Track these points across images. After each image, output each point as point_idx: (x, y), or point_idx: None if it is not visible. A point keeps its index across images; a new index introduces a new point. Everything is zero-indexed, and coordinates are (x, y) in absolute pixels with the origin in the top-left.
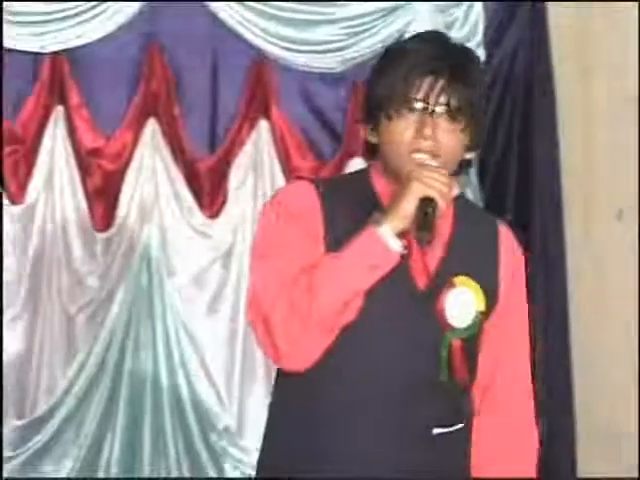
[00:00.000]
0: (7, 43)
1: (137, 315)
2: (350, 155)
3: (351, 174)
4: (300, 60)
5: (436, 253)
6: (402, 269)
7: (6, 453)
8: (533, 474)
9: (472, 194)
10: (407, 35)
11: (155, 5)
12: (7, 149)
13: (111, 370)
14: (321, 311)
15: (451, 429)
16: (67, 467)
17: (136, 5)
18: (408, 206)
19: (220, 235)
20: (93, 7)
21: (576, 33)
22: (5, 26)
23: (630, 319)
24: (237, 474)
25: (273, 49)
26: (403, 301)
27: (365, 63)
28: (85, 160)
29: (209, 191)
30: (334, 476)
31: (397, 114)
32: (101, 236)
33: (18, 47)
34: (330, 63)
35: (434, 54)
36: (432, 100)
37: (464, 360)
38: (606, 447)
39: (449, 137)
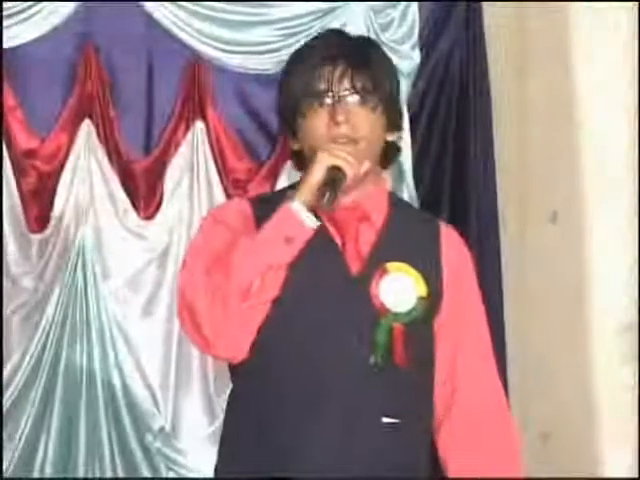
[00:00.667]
0: None
1: (72, 316)
2: (286, 157)
3: (283, 190)
4: (235, 61)
5: (369, 239)
6: (335, 255)
7: None
8: (516, 462)
9: (407, 194)
10: None
11: (90, 5)
12: None
13: (46, 371)
14: (240, 285)
15: (401, 420)
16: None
17: (71, 5)
18: (316, 175)
19: (156, 236)
20: (28, 7)
21: (511, 33)
22: None
23: (567, 322)
24: (172, 475)
25: (208, 50)
26: (337, 286)
27: None
28: (20, 161)
29: (144, 192)
30: (289, 469)
31: (309, 111)
32: (36, 237)
33: None
34: (266, 64)
35: (330, 45)
36: (336, 87)
37: (405, 344)
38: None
39: (363, 120)
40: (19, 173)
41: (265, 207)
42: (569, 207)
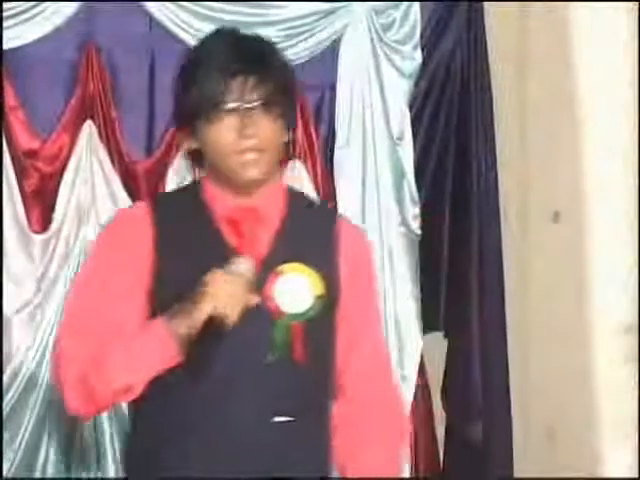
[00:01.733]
0: None
1: None
2: (287, 158)
3: (186, 187)
4: None
5: (266, 241)
6: (229, 259)
7: None
8: (396, 463)
9: (409, 193)
10: (345, 37)
11: (91, 6)
12: None
13: (48, 372)
14: (102, 391)
15: (300, 417)
16: (4, 469)
17: (73, 6)
18: (196, 319)
19: None
20: (30, 8)
21: (513, 33)
22: None
23: (568, 321)
24: None
25: None
26: None
27: (303, 65)
28: (21, 162)
29: (147, 193)
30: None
31: (216, 118)
32: (38, 238)
33: None
34: None
35: (237, 54)
36: (246, 99)
37: (305, 343)
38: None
39: (269, 129)
40: (21, 174)
41: (167, 210)
42: (570, 206)
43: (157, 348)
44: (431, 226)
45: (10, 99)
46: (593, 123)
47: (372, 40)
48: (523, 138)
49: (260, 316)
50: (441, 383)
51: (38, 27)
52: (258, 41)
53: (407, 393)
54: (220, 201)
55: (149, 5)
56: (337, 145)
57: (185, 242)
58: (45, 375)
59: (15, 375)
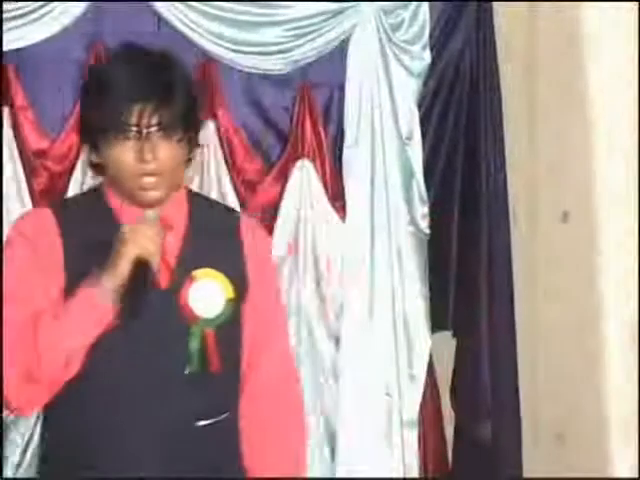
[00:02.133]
0: None
1: None
2: (296, 157)
3: (86, 193)
4: (246, 61)
5: (174, 249)
6: None
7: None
8: (299, 463)
9: (418, 192)
10: (354, 37)
11: (100, 5)
12: None
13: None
14: (42, 369)
15: (217, 419)
16: None
17: (81, 5)
18: (121, 268)
19: None
20: (39, 8)
21: (522, 32)
22: None
23: (577, 323)
24: None
25: (218, 50)
26: (147, 304)
27: (312, 64)
28: (31, 161)
29: None
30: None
31: (115, 140)
32: None
33: None
34: (276, 64)
35: (137, 79)
36: (144, 124)
37: (218, 349)
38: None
39: (169, 153)
40: (30, 173)
41: (72, 216)
42: (580, 206)
43: (88, 309)
44: (440, 226)
45: (19, 99)
46: (602, 123)
47: (381, 40)
48: (532, 138)
49: (176, 325)
50: (450, 382)
51: (46, 27)
52: (162, 64)
53: (416, 392)
54: (126, 210)
55: (157, 5)
56: (346, 144)
57: (93, 249)
58: None
59: None
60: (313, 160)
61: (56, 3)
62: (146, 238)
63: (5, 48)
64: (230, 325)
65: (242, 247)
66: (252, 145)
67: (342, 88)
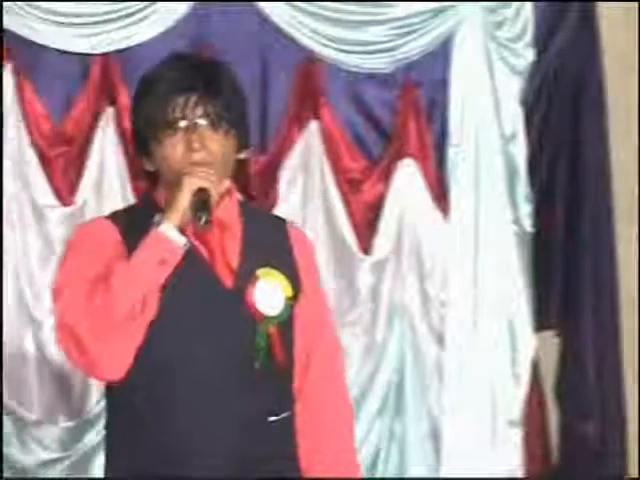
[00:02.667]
0: (58, 44)
1: None
2: (399, 156)
3: (138, 202)
4: (350, 60)
5: (235, 250)
6: (205, 271)
7: (55, 454)
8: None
9: (521, 191)
10: (457, 35)
11: (204, 5)
12: (56, 150)
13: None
14: (121, 311)
15: (282, 416)
16: None
17: (186, 6)
18: (183, 200)
19: None
20: (144, 8)
21: (624, 32)
22: (55, 28)
23: None
24: None
25: (322, 49)
26: (212, 301)
27: (415, 63)
28: (135, 162)
29: (259, 192)
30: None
31: (164, 136)
32: None
33: (68, 48)
34: (380, 63)
35: (183, 73)
36: (189, 114)
37: (282, 346)
38: None
39: (217, 144)
40: (134, 171)
41: (131, 225)
42: None
43: (157, 245)
44: (544, 225)
45: (124, 99)
46: None
47: (484, 38)
48: (634, 138)
49: (242, 323)
50: (554, 381)
51: (151, 27)
52: (210, 62)
53: (520, 392)
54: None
55: (262, 5)
56: (450, 143)
57: None
58: None
59: None
60: (417, 159)
61: (161, 3)
62: (205, 173)
63: (111, 48)
64: (287, 323)
65: (292, 251)
66: (356, 144)
67: (445, 86)
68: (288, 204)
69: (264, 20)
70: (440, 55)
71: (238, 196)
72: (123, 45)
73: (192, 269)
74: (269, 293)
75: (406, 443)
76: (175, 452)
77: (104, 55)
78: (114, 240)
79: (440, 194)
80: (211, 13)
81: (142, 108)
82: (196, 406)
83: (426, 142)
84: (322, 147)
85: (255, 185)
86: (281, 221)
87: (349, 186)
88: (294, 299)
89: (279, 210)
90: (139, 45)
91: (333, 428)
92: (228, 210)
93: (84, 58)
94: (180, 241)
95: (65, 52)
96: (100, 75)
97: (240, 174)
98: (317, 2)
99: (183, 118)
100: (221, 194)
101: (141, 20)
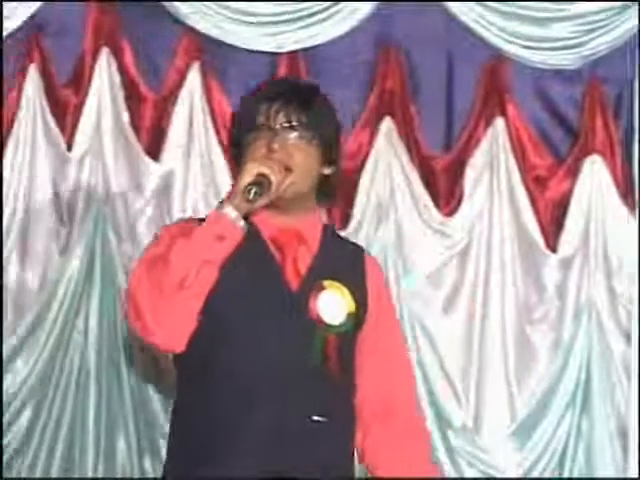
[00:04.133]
0: (246, 44)
1: None
2: (586, 152)
3: None
4: (536, 57)
5: (306, 261)
6: (276, 275)
7: None
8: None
9: None
10: None
11: (390, 4)
12: None
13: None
14: (177, 275)
15: (328, 419)
16: None
17: (371, 5)
18: (245, 180)
19: (456, 233)
20: (328, 7)
21: None
22: (244, 27)
23: None
24: (473, 471)
25: (508, 46)
26: (278, 302)
27: (601, 59)
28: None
29: (445, 189)
30: (229, 474)
31: (253, 140)
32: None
33: (256, 47)
34: (566, 60)
35: (274, 86)
36: (273, 119)
37: (338, 353)
38: None
39: (298, 150)
40: None
41: None
42: None
43: (218, 221)
44: None
45: None
46: None
47: None
48: None
49: (301, 325)
50: None
51: (336, 26)
52: (307, 84)
53: None
54: (266, 224)
55: (448, 4)
56: (637, 139)
57: (237, 256)
58: None
59: None
60: (604, 155)
61: (345, 3)
62: (268, 160)
63: (297, 47)
64: (349, 337)
65: (365, 277)
66: (542, 141)
67: (632, 82)
68: (474, 202)
69: (450, 19)
70: (626, 51)
71: (324, 219)
72: (309, 44)
73: (263, 269)
74: (332, 304)
75: (593, 441)
76: (220, 449)
77: (291, 54)
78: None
79: (627, 190)
80: (395, 12)
81: (237, 118)
82: (245, 401)
83: (613, 138)
84: (508, 144)
85: (441, 182)
86: (359, 249)
87: (535, 183)
88: (357, 317)
89: (464, 207)
90: (324, 44)
91: (407, 434)
92: (307, 224)
93: (271, 57)
94: (237, 219)
95: (253, 51)
96: (287, 74)
97: (326, 189)
98: (504, 0)
99: (267, 123)
100: (295, 195)
101: (325, 19)
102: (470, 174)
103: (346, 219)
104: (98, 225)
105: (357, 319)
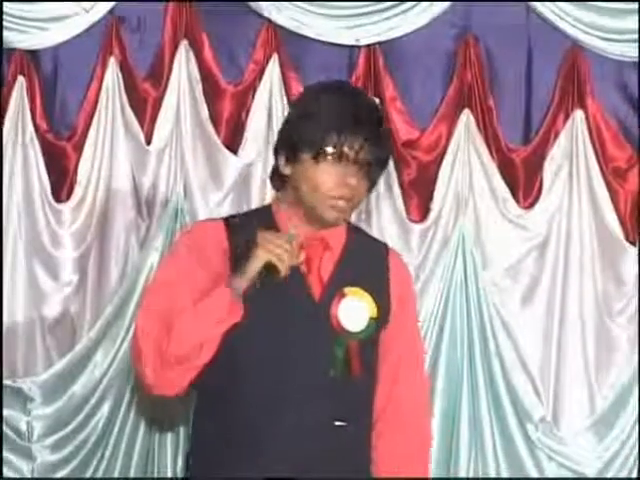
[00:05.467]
0: (324, 36)
1: (452, 306)
2: None
3: (258, 209)
4: (615, 49)
5: (329, 267)
6: (300, 282)
7: None
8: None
9: None
10: None
11: None
12: None
13: (427, 362)
14: (178, 351)
15: (351, 424)
16: None
17: None
18: (252, 269)
19: (535, 226)
20: (407, 0)
21: None
22: (322, 20)
23: None
24: (553, 465)
25: (588, 38)
26: (301, 310)
27: None
28: (400, 152)
29: (524, 182)
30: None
31: (324, 160)
32: (417, 227)
33: (334, 40)
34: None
35: (359, 111)
36: (356, 155)
37: (360, 360)
38: None
39: (361, 186)
40: (400, 163)
41: (240, 229)
42: None
43: (220, 303)
44: None
45: (389, 90)
46: None
47: None
48: None
49: (325, 333)
50: None
51: (415, 18)
52: (372, 103)
53: None
54: (289, 225)
55: None
56: None
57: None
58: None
59: None
60: None
61: None
62: (277, 246)
63: (376, 40)
64: (370, 343)
65: (389, 279)
66: (621, 133)
67: None
68: (552, 195)
69: (529, 10)
70: None
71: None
72: (387, 37)
73: (290, 278)
74: (354, 310)
75: None
76: (243, 454)
77: (369, 47)
78: (221, 247)
79: None
80: (473, 4)
81: (311, 123)
82: (267, 407)
83: None
84: (587, 137)
85: (520, 174)
86: (384, 248)
87: (614, 176)
88: (380, 321)
89: (543, 200)
90: (403, 36)
91: (409, 455)
92: (334, 230)
93: (349, 50)
94: (240, 306)
95: (331, 44)
96: (365, 67)
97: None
98: None
99: (350, 154)
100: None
101: (404, 12)
102: (549, 167)
103: (425, 211)
104: (177, 218)
105: (379, 323)
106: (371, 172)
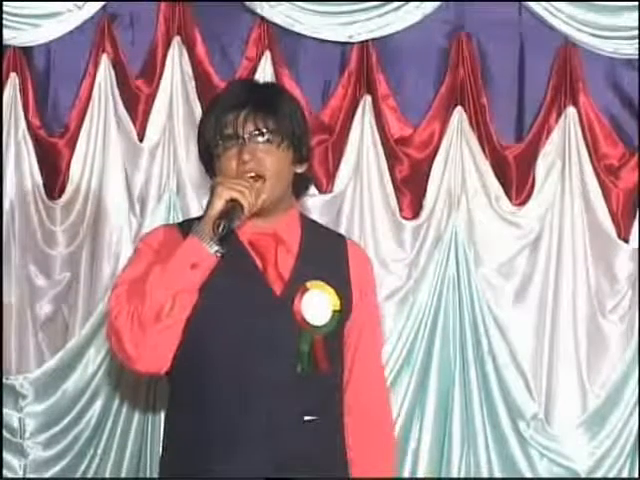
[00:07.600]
0: (317, 33)
1: (445, 303)
2: None
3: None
4: (607, 46)
5: (289, 263)
6: (259, 281)
7: None
8: (391, 472)
9: None
10: None
11: None
12: (315, 139)
13: (419, 359)
14: (153, 308)
15: (319, 418)
16: None
17: None
18: (215, 208)
19: (528, 223)
20: None
21: None
22: (314, 17)
23: None
24: (544, 462)
25: (580, 35)
26: (262, 308)
27: None
28: (393, 149)
29: (516, 179)
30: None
31: (222, 152)
32: (409, 224)
33: (326, 37)
34: (637, 49)
35: (238, 93)
36: (241, 130)
37: (326, 354)
38: None
39: (269, 157)
40: (392, 160)
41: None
42: None
43: (190, 249)
44: None
45: (382, 86)
46: None
47: None
48: None
49: (288, 328)
50: None
51: (408, 16)
52: (266, 84)
53: None
54: (243, 228)
55: None
56: None
57: (218, 264)
58: (417, 362)
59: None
60: None
61: None
62: (238, 184)
63: (369, 36)
64: (334, 335)
65: (348, 268)
66: (614, 130)
67: None
68: (545, 192)
69: (522, 7)
70: None
71: (300, 211)
72: (380, 34)
73: (245, 276)
74: (316, 304)
75: None
76: (215, 450)
77: (361, 44)
78: (175, 240)
79: None
80: (467, 2)
81: (202, 129)
82: (237, 404)
83: None
84: (580, 134)
85: (512, 172)
86: (340, 238)
87: (607, 173)
88: (343, 313)
89: (535, 197)
90: (396, 33)
91: (380, 426)
92: (284, 223)
93: (342, 47)
94: (210, 247)
95: (324, 41)
96: (358, 64)
97: (301, 185)
98: None
99: (236, 133)
100: (274, 205)
101: (397, 9)
102: (541, 164)
103: (418, 208)
104: (170, 215)
105: (343, 315)
106: (270, 142)
